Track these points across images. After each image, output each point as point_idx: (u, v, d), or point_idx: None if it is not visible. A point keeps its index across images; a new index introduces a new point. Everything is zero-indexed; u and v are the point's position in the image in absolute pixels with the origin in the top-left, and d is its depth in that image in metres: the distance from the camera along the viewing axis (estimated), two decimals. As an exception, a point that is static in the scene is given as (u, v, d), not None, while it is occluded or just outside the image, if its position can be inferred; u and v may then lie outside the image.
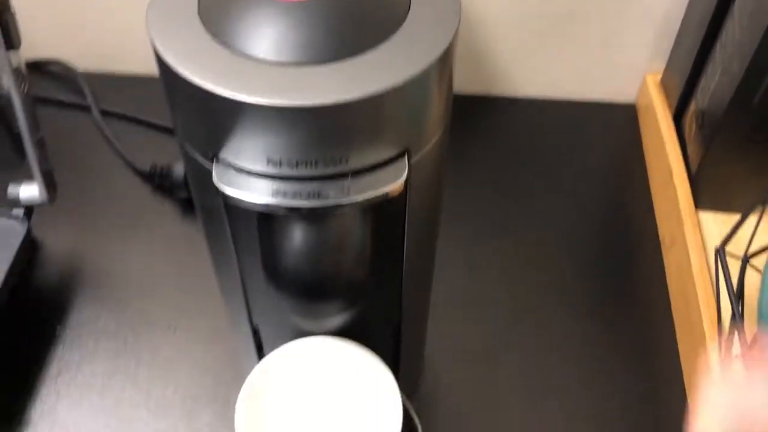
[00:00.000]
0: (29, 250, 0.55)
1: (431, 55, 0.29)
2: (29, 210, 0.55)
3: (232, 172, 0.30)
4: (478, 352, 0.54)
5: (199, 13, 0.30)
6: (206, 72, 0.28)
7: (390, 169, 0.31)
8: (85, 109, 0.69)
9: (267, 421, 0.41)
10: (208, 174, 0.31)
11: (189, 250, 0.60)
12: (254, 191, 0.30)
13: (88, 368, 0.53)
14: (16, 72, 0.47)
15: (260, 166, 0.30)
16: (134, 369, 0.53)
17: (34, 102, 0.50)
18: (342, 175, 0.30)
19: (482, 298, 0.57)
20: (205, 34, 0.29)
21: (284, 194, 0.30)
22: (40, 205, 0.53)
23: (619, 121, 0.71)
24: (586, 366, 0.53)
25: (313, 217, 0.32)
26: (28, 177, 0.53)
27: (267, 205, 0.30)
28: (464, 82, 0.72)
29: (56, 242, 0.59)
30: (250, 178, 0.30)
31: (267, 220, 0.33)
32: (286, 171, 0.29)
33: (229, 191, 0.30)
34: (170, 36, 0.29)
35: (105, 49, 0.72)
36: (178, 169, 0.61)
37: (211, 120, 0.29)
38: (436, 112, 0.31)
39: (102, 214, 0.62)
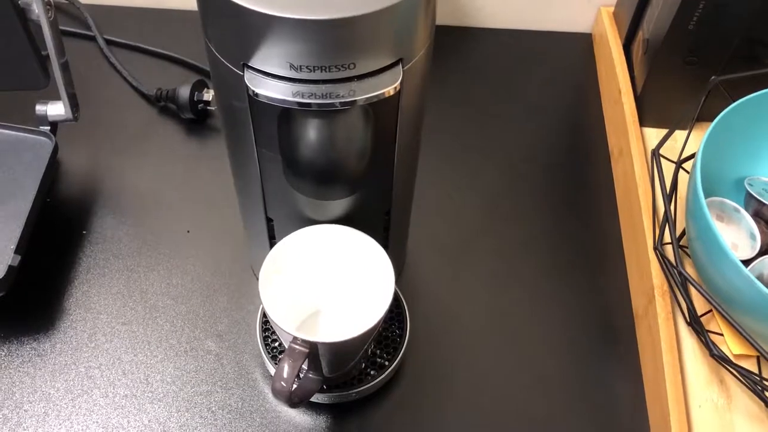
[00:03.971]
0: (57, 163, 0.61)
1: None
2: (54, 127, 0.61)
3: (260, 76, 0.38)
4: (454, 245, 0.62)
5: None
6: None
7: (388, 74, 0.38)
8: (90, 39, 0.75)
9: (284, 288, 0.49)
10: (240, 79, 0.38)
11: (194, 164, 0.67)
12: (278, 92, 0.37)
13: (114, 264, 0.60)
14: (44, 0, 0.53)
15: (284, 71, 0.37)
16: (155, 264, 0.60)
17: (59, 28, 0.56)
18: (350, 79, 0.37)
19: (457, 200, 0.65)
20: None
21: (302, 95, 0.38)
22: (65, 121, 0.60)
23: (577, 49, 0.79)
24: (544, 257, 0.62)
25: (325, 113, 0.40)
26: (54, 97, 0.59)
27: (288, 101, 0.37)
28: (443, 15, 0.79)
29: (75, 160, 0.66)
30: (275, 81, 0.37)
31: (287, 117, 0.41)
32: (304, 75, 0.37)
33: (259, 92, 0.37)
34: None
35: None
36: (183, 92, 0.68)
37: (242, 32, 0.36)
38: (423, 28, 0.39)
39: (114, 134, 0.68)
